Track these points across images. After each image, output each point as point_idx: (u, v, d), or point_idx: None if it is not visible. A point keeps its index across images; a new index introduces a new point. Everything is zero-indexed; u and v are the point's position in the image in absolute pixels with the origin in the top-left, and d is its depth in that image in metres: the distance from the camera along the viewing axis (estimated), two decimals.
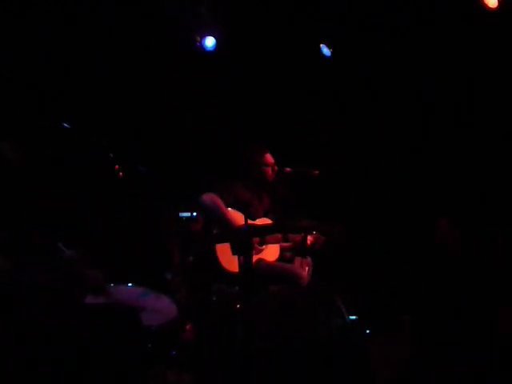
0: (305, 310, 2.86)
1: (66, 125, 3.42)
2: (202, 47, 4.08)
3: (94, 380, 2.46)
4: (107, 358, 2.53)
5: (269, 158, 3.55)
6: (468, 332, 3.17)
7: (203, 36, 4.03)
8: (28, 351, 2.36)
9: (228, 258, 3.27)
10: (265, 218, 3.53)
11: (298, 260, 3.54)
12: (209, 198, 3.27)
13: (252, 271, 2.66)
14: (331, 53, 4.05)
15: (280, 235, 3.54)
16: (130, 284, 3.03)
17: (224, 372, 2.67)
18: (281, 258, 3.55)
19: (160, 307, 2.96)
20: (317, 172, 3.55)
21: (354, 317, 2.89)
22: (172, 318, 2.93)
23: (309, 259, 3.57)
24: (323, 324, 2.82)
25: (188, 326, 3.30)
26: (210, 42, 4.08)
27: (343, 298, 2.94)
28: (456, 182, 3.93)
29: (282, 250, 3.57)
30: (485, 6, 3.59)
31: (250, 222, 3.08)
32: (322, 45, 4.05)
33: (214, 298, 2.97)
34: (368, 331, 2.87)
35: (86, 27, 3.66)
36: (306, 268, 3.51)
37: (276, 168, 3.53)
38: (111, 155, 3.26)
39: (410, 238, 3.80)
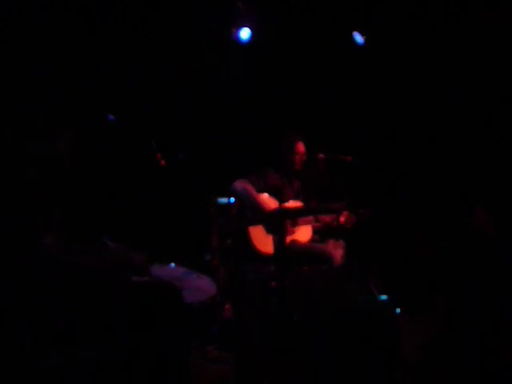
0: (337, 288, 2.98)
1: (111, 117, 3.64)
2: (238, 39, 4.21)
3: (140, 352, 2.68)
4: (151, 332, 2.74)
5: (300, 147, 3.68)
6: (502, 318, 3.20)
7: (239, 28, 4.16)
8: (75, 327, 2.58)
9: (262, 240, 3.44)
10: (295, 201, 3.67)
11: (331, 242, 3.66)
12: (240, 184, 3.47)
13: (285, 250, 2.81)
14: (364, 40, 4.10)
15: (311, 216, 3.68)
16: (172, 264, 3.24)
17: (260, 344, 2.84)
18: (313, 239, 3.69)
19: (200, 285, 3.14)
20: (350, 158, 3.66)
21: (385, 296, 3.00)
22: (212, 296, 3.11)
23: (342, 241, 3.68)
24: (355, 302, 2.95)
25: (227, 306, 3.49)
26: (245, 33, 4.21)
27: (375, 277, 3.05)
28: (490, 170, 3.93)
29: (314, 231, 3.71)
30: None
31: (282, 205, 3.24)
32: (354, 32, 4.11)
33: (250, 277, 3.14)
34: (399, 310, 2.96)
35: (124, 25, 3.85)
36: (339, 250, 3.62)
37: (304, 158, 3.66)
38: (153, 143, 3.47)
39: (446, 222, 3.84)
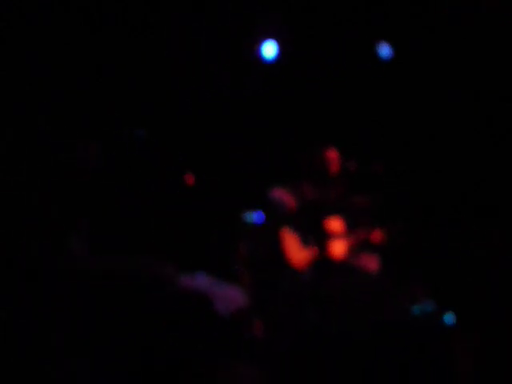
0: (378, 299, 2.79)
1: (140, 131, 3.61)
2: (264, 55, 4.20)
3: (166, 365, 2.50)
4: (179, 344, 2.57)
5: (333, 153, 3.59)
6: None
7: (265, 44, 4.15)
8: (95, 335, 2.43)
9: (296, 253, 3.32)
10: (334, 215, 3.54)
11: (365, 255, 3.50)
12: (278, 193, 3.45)
13: (323, 254, 2.65)
14: (392, 53, 4.05)
15: (346, 230, 3.54)
16: (200, 273, 3.08)
17: (295, 357, 2.63)
18: (347, 253, 3.52)
19: (230, 296, 2.98)
20: (381, 168, 3.54)
21: (433, 305, 2.78)
22: (242, 306, 2.93)
23: (375, 255, 3.52)
24: (399, 313, 2.74)
25: (257, 323, 3.29)
26: (271, 50, 4.20)
27: (421, 285, 2.84)
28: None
29: (349, 245, 3.55)
30: None
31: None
32: (381, 44, 4.06)
33: (285, 287, 2.96)
34: (451, 320, 2.71)
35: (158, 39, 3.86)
36: (374, 263, 3.46)
37: (340, 163, 3.56)
38: (182, 159, 3.42)
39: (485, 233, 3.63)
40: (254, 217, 3.72)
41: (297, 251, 3.34)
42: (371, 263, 3.46)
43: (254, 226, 3.67)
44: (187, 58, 3.99)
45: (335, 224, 3.53)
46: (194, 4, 3.87)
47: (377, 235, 3.55)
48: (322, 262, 3.29)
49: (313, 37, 4.07)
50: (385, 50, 4.05)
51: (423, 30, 3.90)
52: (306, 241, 3.33)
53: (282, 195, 3.43)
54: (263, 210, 3.58)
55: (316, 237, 2.83)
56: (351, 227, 3.61)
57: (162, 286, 2.69)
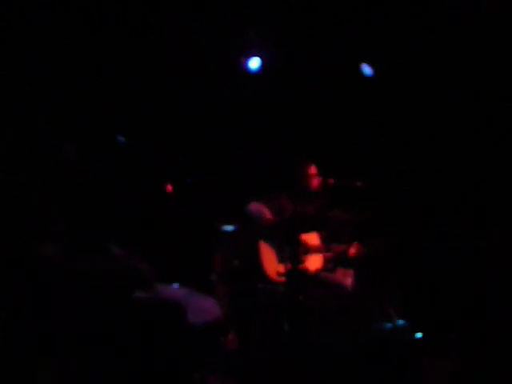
0: (352, 312, 2.82)
1: (121, 138, 3.60)
2: (248, 68, 4.25)
3: (142, 373, 2.48)
4: (153, 351, 2.56)
5: (312, 169, 3.64)
6: None
7: (249, 57, 4.21)
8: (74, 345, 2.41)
9: (273, 268, 3.35)
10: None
11: (340, 270, 3.54)
12: (255, 207, 3.46)
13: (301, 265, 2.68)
14: (373, 72, 4.12)
15: (322, 245, 3.57)
16: (176, 285, 3.07)
17: (272, 369, 2.64)
18: (323, 267, 3.55)
19: (205, 307, 2.98)
20: (361, 183, 3.58)
21: (402, 321, 2.82)
22: (217, 317, 2.93)
23: (351, 270, 3.56)
24: (371, 326, 2.78)
25: (231, 336, 3.29)
26: (255, 63, 4.26)
27: (393, 304, 2.89)
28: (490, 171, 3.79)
29: (325, 260, 3.58)
30: None
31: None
32: (363, 64, 4.14)
33: (262, 298, 2.98)
34: (420, 335, 2.76)
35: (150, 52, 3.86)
36: (349, 278, 3.50)
37: (320, 178, 3.60)
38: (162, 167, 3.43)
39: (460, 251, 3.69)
40: (232, 229, 3.74)
41: (273, 264, 3.36)
42: (346, 278, 3.50)
43: (231, 238, 3.69)
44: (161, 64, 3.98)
45: (312, 238, 3.56)
46: (191, 5, 3.88)
47: (353, 250, 3.58)
48: (298, 275, 3.31)
49: (295, 54, 4.13)
50: (367, 70, 4.12)
51: (423, 31, 3.86)
52: (282, 254, 3.35)
53: (260, 208, 3.44)
54: (241, 222, 3.59)
55: (292, 250, 2.85)
56: (328, 242, 3.65)
57: (137, 285, 2.68)
